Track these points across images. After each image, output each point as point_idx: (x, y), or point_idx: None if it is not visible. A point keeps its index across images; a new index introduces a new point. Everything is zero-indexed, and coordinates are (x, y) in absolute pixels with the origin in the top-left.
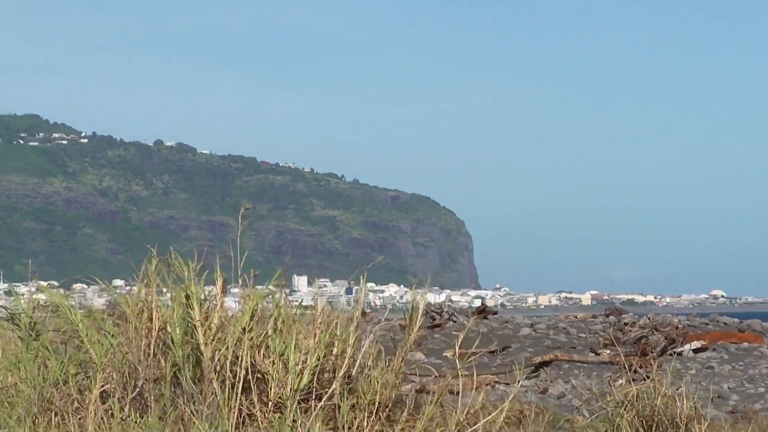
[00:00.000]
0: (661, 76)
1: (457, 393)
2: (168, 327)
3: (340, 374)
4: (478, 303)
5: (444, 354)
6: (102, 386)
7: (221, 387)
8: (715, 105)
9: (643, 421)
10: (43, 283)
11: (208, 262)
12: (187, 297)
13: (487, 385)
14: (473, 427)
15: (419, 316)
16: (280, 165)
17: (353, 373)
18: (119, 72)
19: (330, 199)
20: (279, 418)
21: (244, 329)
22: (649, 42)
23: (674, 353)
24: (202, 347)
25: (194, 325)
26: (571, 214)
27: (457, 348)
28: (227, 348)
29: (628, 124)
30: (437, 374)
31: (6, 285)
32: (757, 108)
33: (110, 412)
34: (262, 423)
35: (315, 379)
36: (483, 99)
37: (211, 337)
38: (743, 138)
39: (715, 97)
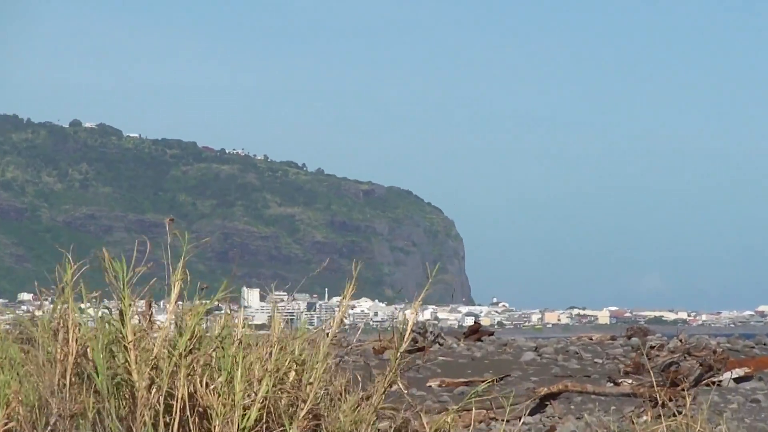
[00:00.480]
0: (686, 65)
1: None
2: (89, 351)
3: (303, 411)
4: (470, 322)
5: (428, 384)
6: (5, 424)
7: (154, 425)
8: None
9: None
10: None
11: (135, 272)
12: (121, 313)
13: (480, 422)
14: None
15: (407, 338)
16: (227, 152)
17: (319, 410)
18: (25, 35)
19: (288, 194)
20: None
21: (181, 354)
22: (668, 30)
23: (712, 383)
24: (135, 376)
25: (125, 348)
26: (586, 214)
27: (443, 377)
28: (164, 377)
29: (660, 101)
30: (419, 409)
31: None
32: None
33: None
34: None
35: (270, 415)
36: (479, 78)
37: (146, 364)
38: None
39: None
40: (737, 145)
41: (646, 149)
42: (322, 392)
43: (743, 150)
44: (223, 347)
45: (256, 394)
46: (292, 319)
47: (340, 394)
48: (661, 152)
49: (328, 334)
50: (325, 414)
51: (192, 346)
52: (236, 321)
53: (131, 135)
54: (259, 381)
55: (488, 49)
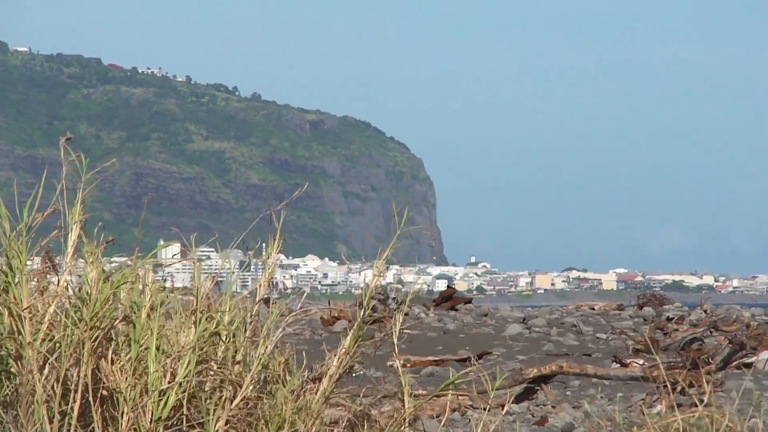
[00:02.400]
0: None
1: (410, 423)
2: None
3: (238, 399)
4: (443, 286)
5: (389, 362)
6: None
7: (49, 412)
8: None
9: None
10: None
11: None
12: (10, 269)
13: (454, 410)
14: None
15: (367, 306)
16: (139, 72)
17: (249, 393)
18: None
19: (216, 125)
20: None
21: (87, 324)
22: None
23: (744, 365)
24: (29, 352)
25: (18, 316)
26: (586, 152)
27: (409, 355)
28: (63, 354)
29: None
30: (380, 394)
31: None
32: None
33: None
34: None
35: (192, 400)
36: None
37: (43, 337)
38: None
39: None
40: None
41: (663, 66)
42: (257, 373)
43: None
44: (133, 316)
45: (174, 376)
46: (220, 281)
47: (279, 376)
48: (681, 73)
49: (267, 300)
50: (261, 401)
51: (97, 313)
52: (150, 282)
53: (19, 49)
54: (179, 359)
55: None
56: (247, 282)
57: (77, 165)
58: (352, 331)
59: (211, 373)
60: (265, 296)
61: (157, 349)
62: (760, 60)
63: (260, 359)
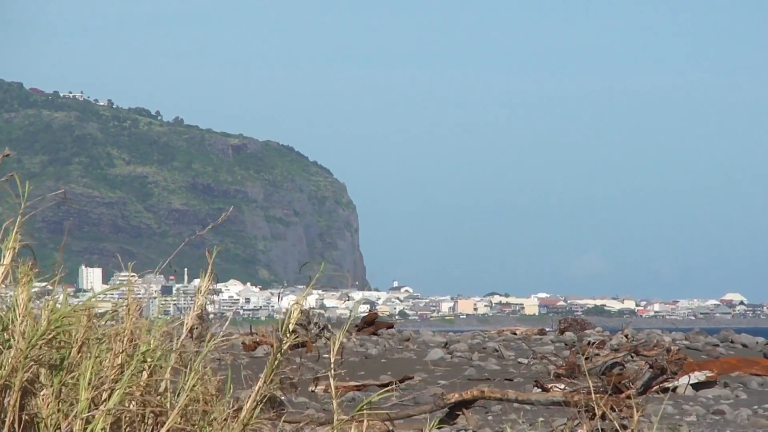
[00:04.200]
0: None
1: None
2: None
3: (165, 426)
4: (365, 311)
5: (311, 388)
6: None
7: None
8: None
9: None
10: None
11: None
12: None
13: None
14: None
15: (290, 332)
16: (61, 95)
17: (173, 423)
18: None
19: (139, 150)
20: None
21: (24, 352)
22: None
23: (664, 390)
24: None
25: None
26: (509, 180)
27: (331, 380)
28: None
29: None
30: (303, 419)
31: None
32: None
33: None
34: None
35: (117, 426)
36: (373, 12)
37: None
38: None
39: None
40: (697, 101)
41: (579, 96)
42: (185, 401)
43: (705, 105)
44: (58, 342)
45: (106, 401)
46: (142, 307)
47: (203, 403)
48: (598, 102)
49: (187, 326)
50: (186, 429)
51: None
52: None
53: None
54: (111, 386)
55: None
56: (169, 308)
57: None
58: (270, 358)
59: (137, 399)
60: (194, 325)
61: (90, 377)
62: (678, 86)
63: (187, 390)
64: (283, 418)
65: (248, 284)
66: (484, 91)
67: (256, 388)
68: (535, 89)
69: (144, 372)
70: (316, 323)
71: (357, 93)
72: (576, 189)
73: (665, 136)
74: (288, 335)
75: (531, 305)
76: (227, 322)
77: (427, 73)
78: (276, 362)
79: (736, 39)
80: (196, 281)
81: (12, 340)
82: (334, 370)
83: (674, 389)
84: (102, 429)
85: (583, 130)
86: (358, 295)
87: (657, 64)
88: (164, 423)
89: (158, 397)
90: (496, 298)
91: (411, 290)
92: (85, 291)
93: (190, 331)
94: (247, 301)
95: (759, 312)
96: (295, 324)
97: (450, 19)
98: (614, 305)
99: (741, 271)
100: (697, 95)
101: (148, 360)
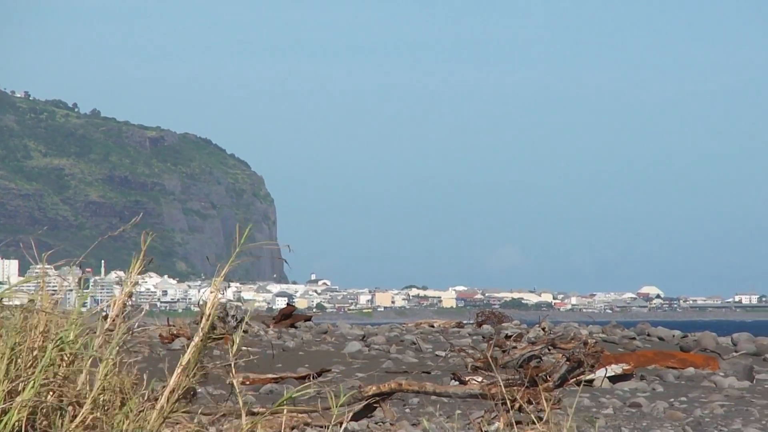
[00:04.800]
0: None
1: None
2: None
3: (78, 417)
4: (282, 304)
5: (228, 381)
6: None
7: None
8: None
9: None
10: None
11: None
12: None
13: (292, 428)
14: None
15: (207, 325)
16: None
17: (94, 414)
18: None
19: (55, 142)
20: None
21: None
22: None
23: (581, 382)
24: None
25: None
26: (426, 172)
27: (232, 372)
28: None
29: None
30: (219, 412)
31: None
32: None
33: None
34: None
35: (34, 418)
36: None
37: None
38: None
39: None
40: (618, 95)
41: (496, 88)
42: (101, 392)
43: (624, 97)
44: None
45: (20, 393)
46: (58, 299)
47: (119, 395)
48: (515, 94)
49: (106, 317)
50: (102, 420)
51: None
52: None
53: None
54: (26, 378)
55: None
56: (86, 301)
57: None
58: (189, 349)
59: (52, 393)
60: (104, 313)
61: (4, 370)
62: (593, 82)
63: (101, 380)
64: (200, 410)
65: (165, 276)
66: (400, 83)
67: (173, 379)
68: (451, 80)
69: (62, 363)
70: (234, 316)
71: (274, 86)
72: (493, 182)
73: (583, 131)
74: (207, 323)
75: (448, 298)
76: (142, 314)
77: (344, 65)
78: (198, 353)
79: (631, 36)
80: (115, 273)
81: None
82: (243, 362)
83: (591, 382)
84: (17, 421)
85: (501, 123)
86: (275, 287)
87: (576, 59)
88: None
89: (76, 389)
90: (414, 291)
91: (329, 283)
92: (1, 283)
93: (114, 320)
94: (165, 293)
95: (675, 305)
96: (212, 316)
97: (365, 11)
98: (531, 298)
99: (657, 264)
100: (614, 90)
101: (66, 350)
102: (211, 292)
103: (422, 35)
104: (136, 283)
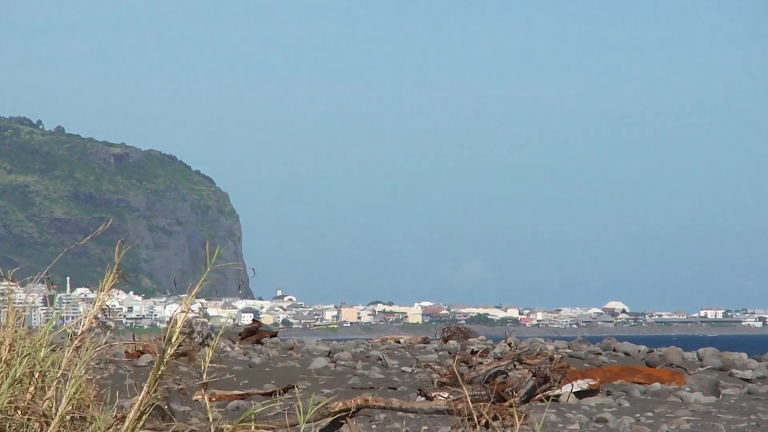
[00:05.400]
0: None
1: None
2: None
3: None
4: (248, 320)
5: (195, 397)
6: None
7: None
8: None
9: None
10: None
11: None
12: None
13: None
14: None
15: (175, 342)
16: None
17: (50, 429)
18: None
19: (20, 159)
20: None
21: None
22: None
23: (547, 398)
24: None
25: None
26: (391, 190)
27: (203, 389)
28: None
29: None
30: (187, 428)
31: None
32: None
33: None
34: None
35: None
36: (256, 20)
37: None
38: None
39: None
40: (584, 109)
41: (463, 107)
42: (69, 410)
43: (590, 111)
44: None
45: None
46: (23, 316)
47: (87, 412)
48: (481, 111)
49: (74, 335)
50: None
51: None
52: None
53: None
54: None
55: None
56: (50, 317)
57: None
58: (154, 366)
59: (19, 410)
60: (72, 330)
61: None
62: (557, 94)
63: (69, 397)
64: (169, 428)
65: (131, 293)
66: (363, 99)
67: (140, 396)
68: (414, 94)
69: (31, 381)
70: (200, 332)
71: (239, 102)
72: (458, 197)
73: (547, 145)
74: (173, 343)
75: (414, 314)
76: (110, 332)
77: (308, 81)
78: (160, 371)
79: (598, 49)
80: (81, 290)
81: None
82: (218, 379)
83: (557, 397)
84: None
85: (463, 137)
86: (241, 303)
87: (544, 72)
88: None
89: (44, 406)
90: (380, 307)
91: (294, 299)
92: None
93: (81, 336)
94: (130, 309)
95: (641, 320)
96: (179, 333)
97: (329, 29)
98: (497, 314)
99: (623, 280)
100: (580, 104)
101: (37, 368)
102: (182, 311)
103: (381, 52)
104: (109, 297)
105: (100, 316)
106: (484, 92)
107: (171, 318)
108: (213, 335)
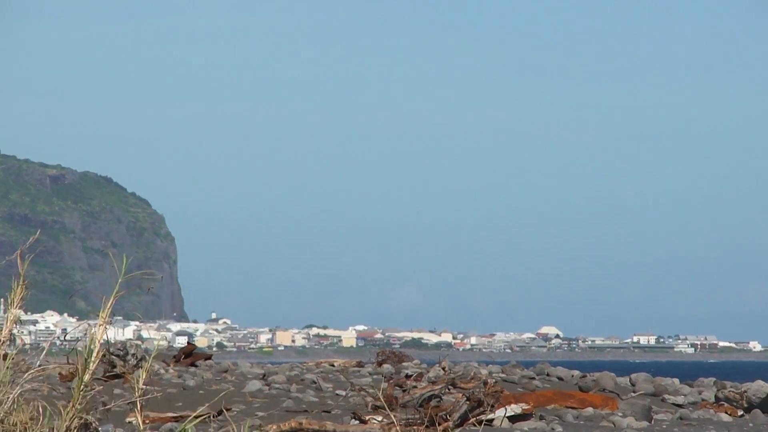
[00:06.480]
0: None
1: None
2: None
3: None
4: (183, 342)
5: (128, 419)
6: None
7: None
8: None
9: None
10: None
11: None
12: None
13: None
14: None
15: (94, 362)
16: None
17: None
18: None
19: None
20: None
21: None
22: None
23: (481, 422)
24: None
25: None
26: (325, 213)
27: (137, 409)
28: None
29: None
30: None
31: None
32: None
33: None
34: None
35: None
36: (194, 38)
37: None
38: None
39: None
40: (509, 132)
41: (392, 130)
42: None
43: (531, 134)
44: None
45: None
46: None
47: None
48: (411, 134)
49: (5, 355)
50: None
51: None
52: None
53: None
54: None
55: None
56: None
57: None
58: (75, 387)
59: None
60: (3, 352)
61: None
62: (487, 117)
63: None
64: None
65: (65, 315)
66: (294, 122)
67: (66, 413)
68: (347, 116)
69: None
70: (134, 354)
71: (175, 124)
72: (392, 222)
73: (479, 168)
74: (93, 361)
75: (349, 338)
76: (44, 353)
77: (242, 105)
78: (82, 385)
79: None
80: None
81: None
82: (153, 401)
83: (491, 422)
84: None
85: (397, 162)
86: (176, 326)
87: (474, 94)
88: None
89: None
90: (314, 330)
91: (229, 322)
92: None
93: (4, 357)
94: (64, 332)
95: (574, 345)
96: (113, 355)
97: (261, 50)
98: (431, 338)
99: (556, 305)
100: (507, 128)
101: None
102: (99, 325)
103: (310, 76)
104: (33, 323)
105: (14, 331)
106: (412, 115)
107: (88, 334)
108: (147, 357)
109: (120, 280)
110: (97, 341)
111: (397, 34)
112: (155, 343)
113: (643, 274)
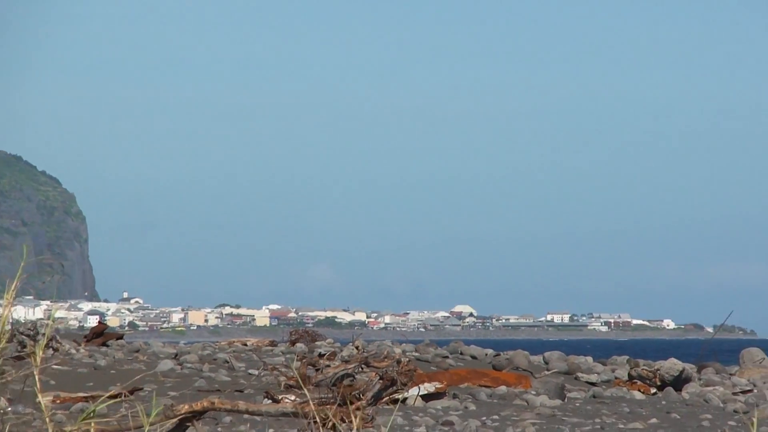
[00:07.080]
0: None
1: None
2: None
3: None
4: (94, 322)
5: (38, 400)
6: None
7: None
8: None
9: None
10: None
11: None
12: None
13: None
14: None
15: (2, 341)
16: None
17: None
18: None
19: None
20: None
21: None
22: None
23: (395, 401)
24: None
25: None
26: (238, 191)
27: (37, 388)
28: None
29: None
30: (28, 430)
31: None
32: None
33: None
34: None
35: None
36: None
37: None
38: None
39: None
40: (427, 117)
41: (296, 103)
42: None
43: (430, 112)
44: None
45: None
46: None
47: None
48: (327, 112)
49: None
50: None
51: None
52: None
53: None
54: None
55: None
56: None
57: None
58: None
59: None
60: None
61: None
62: (402, 95)
63: None
64: (7, 428)
65: None
66: (208, 101)
67: None
68: (257, 95)
69: None
70: (43, 333)
71: (86, 101)
72: (304, 199)
73: (391, 149)
74: (3, 339)
75: (262, 317)
76: None
77: (151, 81)
78: None
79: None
80: None
81: None
82: (54, 380)
83: (404, 400)
84: None
85: (310, 138)
86: (87, 306)
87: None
88: None
89: None
90: (227, 310)
91: (141, 301)
92: None
93: None
94: None
95: (488, 324)
96: (22, 334)
97: (177, 30)
98: (345, 317)
99: (470, 283)
100: (422, 106)
101: None
102: (4, 307)
103: (237, 54)
104: None
105: None
106: (330, 94)
107: (16, 320)
108: (58, 337)
109: (22, 264)
110: (3, 320)
111: (357, 22)
112: (66, 323)
113: (557, 252)
